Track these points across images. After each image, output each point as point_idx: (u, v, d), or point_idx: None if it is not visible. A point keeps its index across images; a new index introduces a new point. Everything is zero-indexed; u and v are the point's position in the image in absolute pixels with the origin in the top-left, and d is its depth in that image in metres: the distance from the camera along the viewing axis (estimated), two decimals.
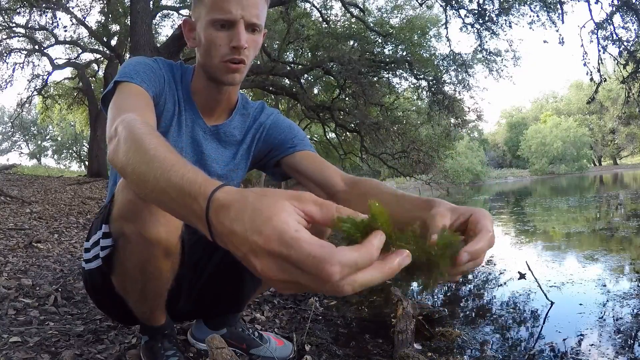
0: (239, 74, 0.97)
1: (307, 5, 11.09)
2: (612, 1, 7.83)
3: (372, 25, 11.39)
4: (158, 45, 7.56)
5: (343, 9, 10.97)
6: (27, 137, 37.17)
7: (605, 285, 2.22)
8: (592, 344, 1.49)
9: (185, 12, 11.87)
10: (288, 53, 12.35)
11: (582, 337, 1.56)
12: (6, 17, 11.13)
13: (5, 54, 12.73)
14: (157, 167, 0.54)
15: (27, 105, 15.79)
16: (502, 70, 10.88)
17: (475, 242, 0.56)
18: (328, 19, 11.34)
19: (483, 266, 2.92)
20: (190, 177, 0.50)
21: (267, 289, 1.90)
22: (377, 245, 0.41)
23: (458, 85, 11.36)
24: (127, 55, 10.23)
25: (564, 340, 1.55)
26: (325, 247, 0.38)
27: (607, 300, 1.97)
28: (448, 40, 10.81)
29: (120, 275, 0.96)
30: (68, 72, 15.87)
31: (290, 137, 1.11)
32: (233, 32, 0.92)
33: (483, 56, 10.48)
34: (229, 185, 0.48)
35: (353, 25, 11.55)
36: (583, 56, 8.13)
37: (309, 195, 0.44)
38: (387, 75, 11.76)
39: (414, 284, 2.43)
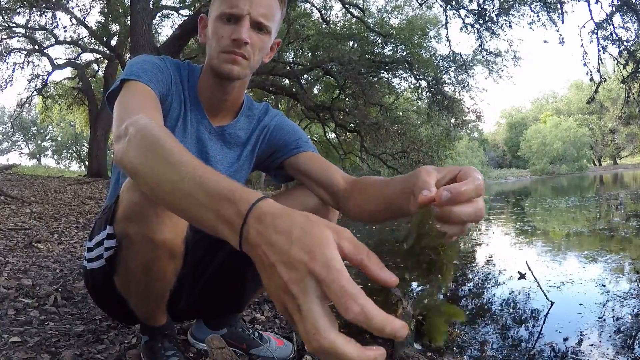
0: (237, 66, 0.96)
1: (307, 5, 11.10)
2: (612, 1, 7.83)
3: (372, 25, 11.39)
4: (158, 45, 7.56)
5: (343, 9, 10.97)
6: (27, 137, 37.18)
7: (605, 285, 2.22)
8: (592, 344, 1.49)
9: (185, 12, 11.88)
10: (288, 53, 12.35)
11: (582, 337, 1.56)
12: (6, 17, 11.13)
13: (5, 54, 12.74)
14: (184, 171, 0.54)
15: (27, 105, 15.82)
16: (502, 71, 10.90)
17: (458, 184, 0.54)
18: (328, 19, 11.35)
19: (483, 266, 2.92)
20: (226, 185, 0.51)
21: None
22: (397, 330, 0.42)
23: (458, 86, 11.38)
24: (127, 55, 10.23)
25: (564, 340, 1.55)
26: (357, 289, 0.41)
27: (607, 300, 1.97)
28: (448, 40, 10.83)
29: (123, 276, 0.95)
30: (68, 72, 15.90)
31: (294, 139, 1.11)
32: (236, 26, 0.93)
33: (483, 57, 10.49)
34: (269, 197, 0.49)
35: (353, 26, 11.56)
36: (583, 56, 8.16)
37: (347, 233, 0.46)
38: (387, 76, 11.78)
39: (414, 284, 2.43)
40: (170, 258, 0.90)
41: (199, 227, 0.54)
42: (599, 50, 8.12)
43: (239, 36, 0.92)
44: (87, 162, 16.84)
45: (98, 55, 14.27)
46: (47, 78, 14.64)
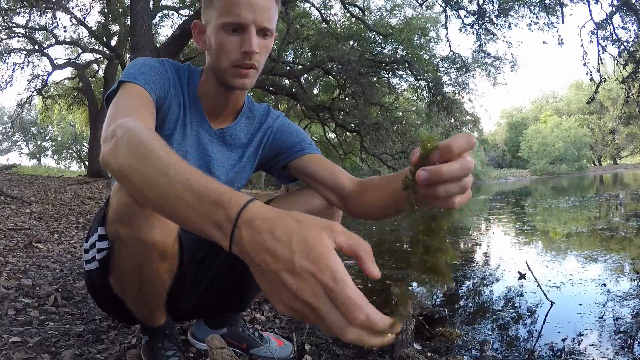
0: (249, 80, 0.95)
1: (307, 5, 11.10)
2: (612, 1, 7.83)
3: (371, 25, 11.40)
4: (158, 45, 7.56)
5: (343, 9, 10.97)
6: (27, 137, 37.19)
7: (605, 285, 2.22)
8: (592, 344, 1.49)
9: (185, 12, 11.88)
10: (288, 53, 12.35)
11: (582, 337, 1.56)
12: (6, 17, 11.13)
13: (5, 54, 12.75)
14: (172, 174, 0.54)
15: (27, 105, 15.83)
16: (499, 74, 10.96)
17: (439, 166, 0.56)
18: (328, 19, 11.35)
19: (483, 266, 2.92)
20: (215, 187, 0.51)
21: None
22: (394, 329, 0.46)
23: (457, 87, 11.41)
24: (127, 56, 10.24)
25: (564, 340, 1.55)
26: (362, 297, 0.44)
27: (607, 300, 1.97)
28: (448, 41, 10.84)
29: (117, 278, 0.95)
30: (68, 72, 15.91)
31: (298, 141, 1.11)
32: (244, 37, 0.90)
33: (482, 57, 10.50)
34: (257, 200, 0.50)
35: (353, 26, 11.56)
36: (583, 56, 8.16)
37: (338, 226, 0.48)
38: (386, 76, 11.78)
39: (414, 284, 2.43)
40: (162, 259, 0.89)
41: (189, 229, 0.54)
42: (599, 51, 8.13)
43: (250, 48, 0.89)
44: (87, 162, 16.86)
45: (98, 55, 14.27)
46: (47, 78, 14.67)
